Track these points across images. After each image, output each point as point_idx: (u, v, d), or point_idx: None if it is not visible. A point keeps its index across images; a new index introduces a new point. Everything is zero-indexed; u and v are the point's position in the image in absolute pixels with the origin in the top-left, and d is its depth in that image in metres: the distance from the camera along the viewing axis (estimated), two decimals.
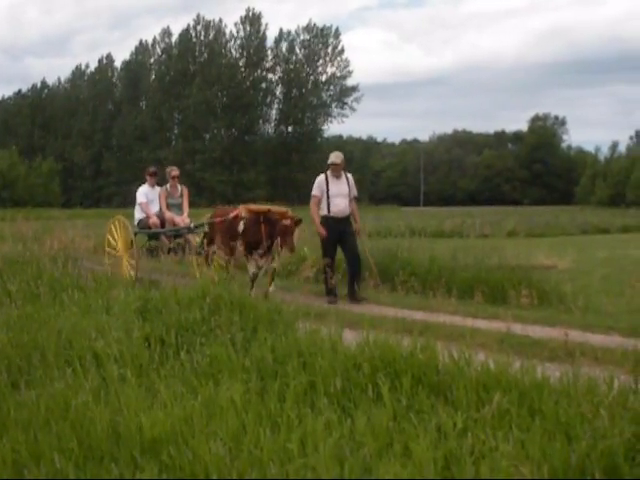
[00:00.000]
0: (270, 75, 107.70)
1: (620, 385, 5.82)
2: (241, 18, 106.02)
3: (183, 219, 16.32)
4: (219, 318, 8.82)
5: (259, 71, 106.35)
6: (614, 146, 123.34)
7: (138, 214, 16.86)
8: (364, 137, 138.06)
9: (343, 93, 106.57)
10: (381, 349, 6.92)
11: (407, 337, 7.52)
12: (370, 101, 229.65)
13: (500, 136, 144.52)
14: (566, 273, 16.24)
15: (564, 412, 5.40)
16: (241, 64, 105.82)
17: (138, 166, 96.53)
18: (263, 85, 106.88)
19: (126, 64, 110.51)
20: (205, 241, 15.51)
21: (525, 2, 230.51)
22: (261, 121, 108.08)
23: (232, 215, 14.23)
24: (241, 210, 14.09)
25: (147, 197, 16.84)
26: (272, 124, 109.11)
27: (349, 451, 5.09)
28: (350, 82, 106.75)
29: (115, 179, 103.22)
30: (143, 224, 16.55)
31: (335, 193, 14.23)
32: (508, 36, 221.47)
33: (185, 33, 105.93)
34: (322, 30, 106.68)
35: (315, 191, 14.34)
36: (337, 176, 14.35)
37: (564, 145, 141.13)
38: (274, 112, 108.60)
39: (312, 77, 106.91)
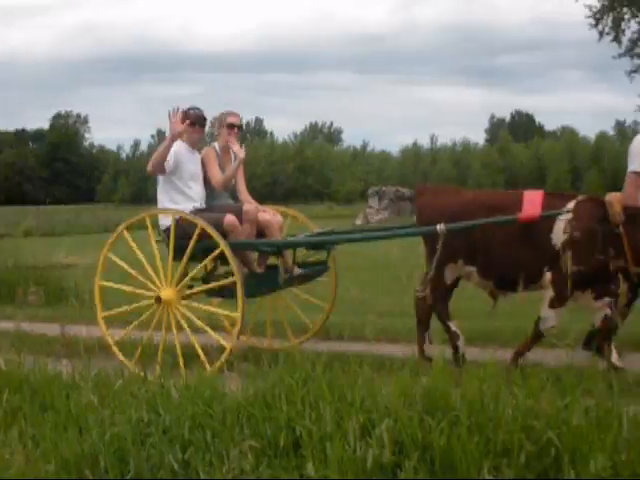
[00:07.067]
0: None
1: (130, 374, 6.12)
2: None
3: (274, 215, 8.68)
4: None
5: None
6: (136, 145, 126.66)
7: (170, 205, 8.45)
8: None
9: None
10: None
11: None
12: None
13: (21, 135, 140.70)
14: (85, 270, 16.41)
15: (75, 404, 5.55)
16: None
17: None
18: None
19: None
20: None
21: None
22: None
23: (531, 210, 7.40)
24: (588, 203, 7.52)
25: (181, 165, 8.36)
26: None
27: None
28: None
29: None
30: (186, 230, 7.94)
31: None
32: (38, 32, 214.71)
33: None
34: None
35: None
36: None
37: (87, 144, 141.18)
38: None
39: None
